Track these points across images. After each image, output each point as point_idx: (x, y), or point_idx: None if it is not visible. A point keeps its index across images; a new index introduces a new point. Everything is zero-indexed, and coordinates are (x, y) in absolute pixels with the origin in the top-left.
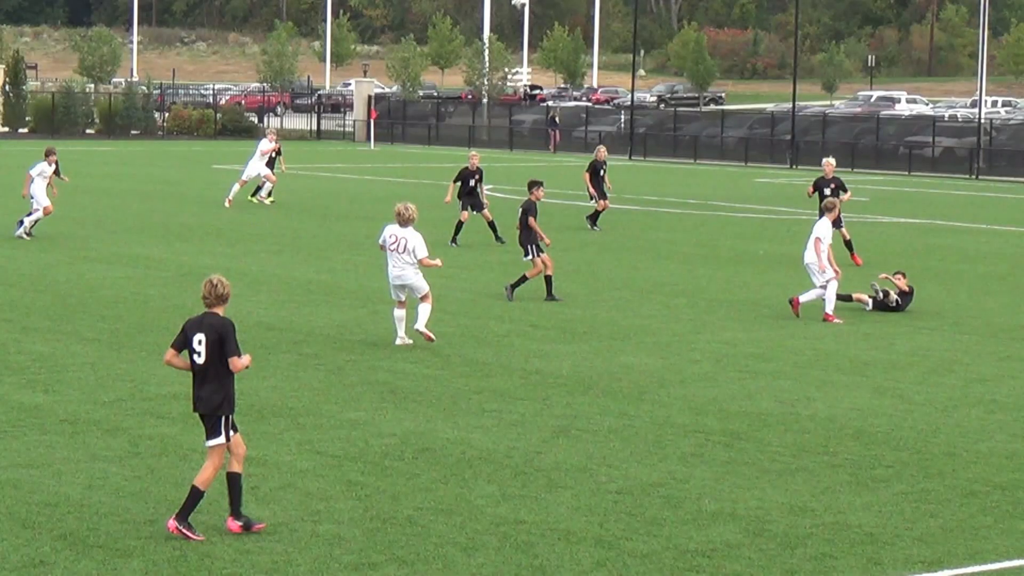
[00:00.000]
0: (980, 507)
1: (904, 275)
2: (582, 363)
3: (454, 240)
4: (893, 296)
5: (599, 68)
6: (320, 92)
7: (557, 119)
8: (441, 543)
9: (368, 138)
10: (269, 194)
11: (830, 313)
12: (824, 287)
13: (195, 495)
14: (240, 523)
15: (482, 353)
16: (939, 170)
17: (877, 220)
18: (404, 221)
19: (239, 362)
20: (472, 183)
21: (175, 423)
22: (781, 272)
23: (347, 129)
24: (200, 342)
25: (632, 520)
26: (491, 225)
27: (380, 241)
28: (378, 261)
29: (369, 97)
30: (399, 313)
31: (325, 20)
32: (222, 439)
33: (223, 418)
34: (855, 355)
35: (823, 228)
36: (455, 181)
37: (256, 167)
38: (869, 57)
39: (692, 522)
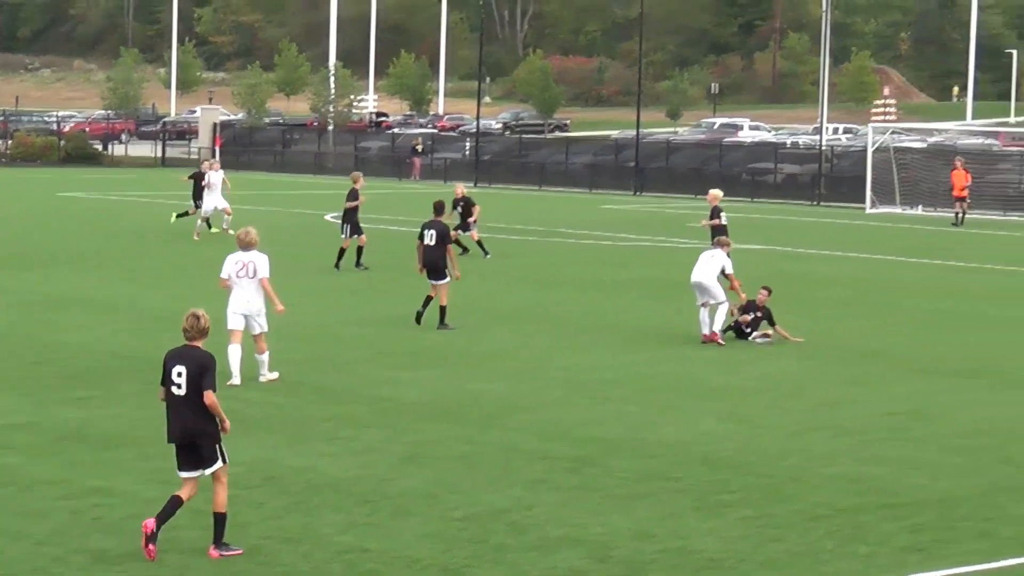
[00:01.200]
0: (824, 531)
1: (769, 290)
2: (432, 389)
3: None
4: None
5: (446, 95)
6: (165, 119)
7: (419, 147)
8: (287, 572)
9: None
10: (206, 225)
11: (717, 332)
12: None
13: (220, 520)
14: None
15: (331, 380)
16: (782, 196)
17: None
18: (247, 245)
19: (213, 397)
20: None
21: (20, 453)
22: (630, 297)
23: (192, 156)
24: (180, 374)
25: (478, 547)
26: (479, 244)
27: (225, 274)
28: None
29: (215, 124)
30: (234, 349)
31: (171, 47)
32: (220, 463)
33: (218, 444)
34: (704, 380)
35: (728, 261)
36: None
37: (213, 200)
38: (713, 84)
39: (537, 548)
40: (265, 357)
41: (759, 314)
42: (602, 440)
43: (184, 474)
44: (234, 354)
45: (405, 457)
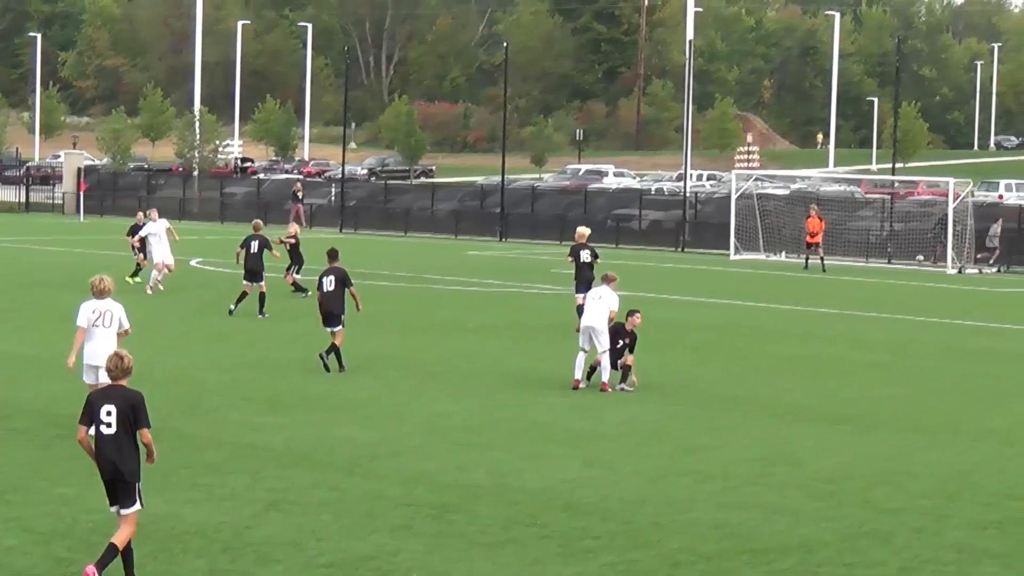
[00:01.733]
0: None
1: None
2: (295, 436)
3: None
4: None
5: (311, 141)
6: (29, 164)
7: (300, 194)
8: None
9: (78, 210)
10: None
11: (607, 382)
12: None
13: (112, 551)
14: None
15: (194, 426)
16: (647, 242)
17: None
18: (102, 292)
19: (149, 435)
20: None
21: None
22: (493, 343)
23: (57, 201)
24: (109, 413)
25: None
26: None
27: (81, 322)
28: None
29: (79, 169)
30: None
31: (34, 91)
32: (139, 505)
33: (137, 485)
34: (566, 426)
35: (615, 298)
36: None
37: (161, 252)
38: (578, 131)
39: None
40: None
41: (627, 340)
42: (465, 486)
43: (122, 510)
44: None
45: (268, 503)
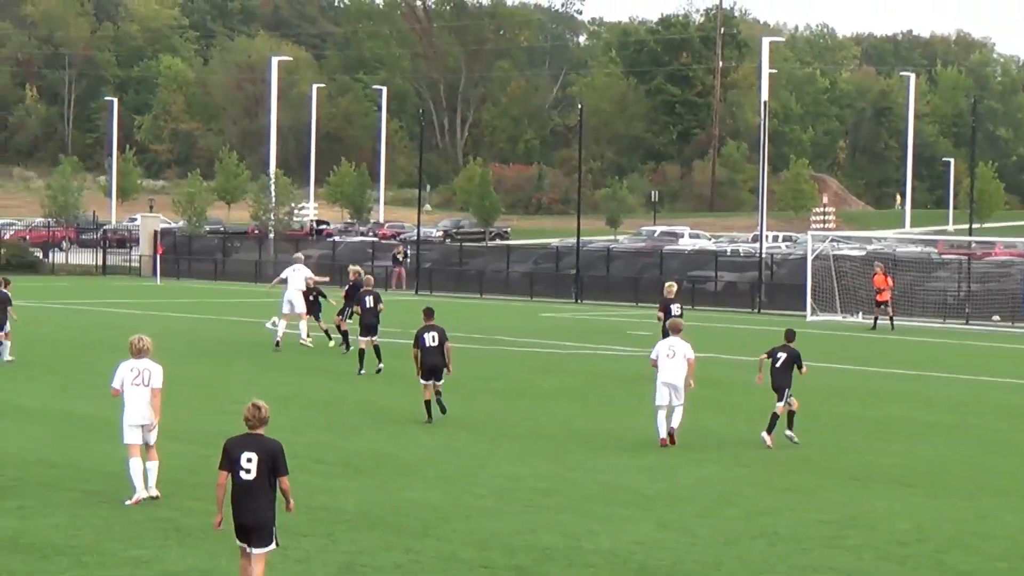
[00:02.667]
0: None
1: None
2: (367, 498)
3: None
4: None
5: (385, 203)
6: (106, 227)
7: (399, 256)
8: None
9: (154, 273)
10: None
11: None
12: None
13: None
14: None
15: None
16: (722, 304)
17: None
18: (140, 352)
19: (288, 482)
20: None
21: None
22: (564, 405)
23: (133, 264)
24: (250, 460)
25: None
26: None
27: (117, 384)
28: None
29: (155, 232)
30: (136, 464)
31: (110, 155)
32: (273, 546)
33: (273, 528)
34: (638, 488)
35: (688, 347)
36: None
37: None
38: (652, 192)
39: None
40: (153, 467)
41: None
42: (539, 549)
43: (255, 551)
44: (136, 468)
45: (342, 566)
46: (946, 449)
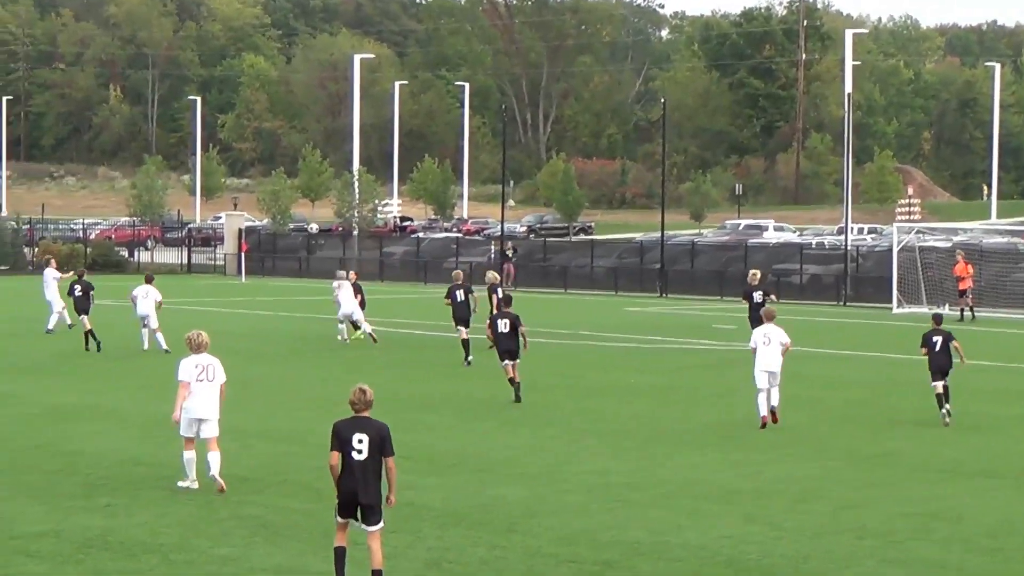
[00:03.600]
0: None
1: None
2: (453, 495)
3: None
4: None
5: (469, 199)
6: (190, 226)
7: (509, 252)
8: None
9: (239, 271)
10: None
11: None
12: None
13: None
14: None
15: None
16: (807, 297)
17: (744, 348)
18: (199, 347)
19: (393, 462)
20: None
21: (44, 561)
22: (650, 401)
23: (218, 263)
24: (361, 441)
25: None
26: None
27: (184, 377)
28: (247, 393)
29: (239, 230)
30: (190, 455)
31: (194, 153)
32: (383, 523)
33: (382, 505)
34: (724, 483)
35: (782, 332)
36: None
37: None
38: (736, 186)
39: None
40: (215, 457)
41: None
42: (626, 543)
43: (370, 528)
44: (191, 461)
45: (428, 563)
46: None
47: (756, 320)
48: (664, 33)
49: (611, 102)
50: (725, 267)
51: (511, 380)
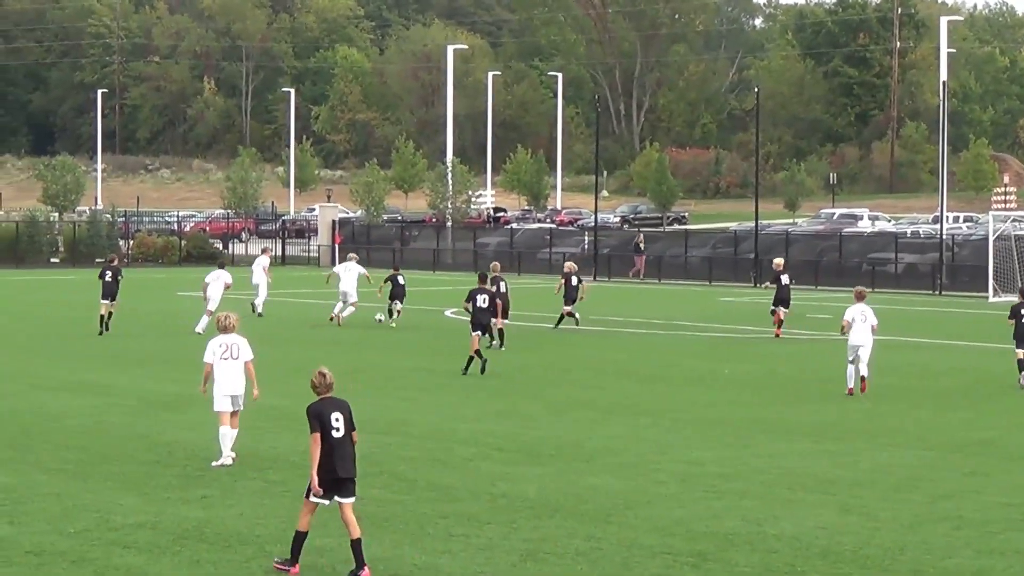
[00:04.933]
0: None
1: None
2: (548, 485)
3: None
4: None
5: (562, 189)
6: (284, 217)
7: (642, 245)
8: None
9: (333, 262)
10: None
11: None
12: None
13: (359, 543)
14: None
15: (448, 477)
16: (902, 286)
17: (839, 338)
18: (226, 328)
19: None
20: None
21: (141, 552)
22: (744, 391)
23: (312, 254)
24: (338, 419)
25: None
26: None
27: (208, 357)
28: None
29: (333, 222)
30: (225, 431)
31: (288, 145)
32: (356, 496)
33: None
34: (819, 473)
35: (872, 312)
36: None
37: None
38: (831, 175)
39: None
40: (235, 433)
41: None
42: (722, 534)
43: (325, 502)
44: (226, 435)
45: (525, 553)
46: None
47: (781, 301)
48: (758, 22)
49: (705, 91)
50: (820, 256)
51: (477, 352)
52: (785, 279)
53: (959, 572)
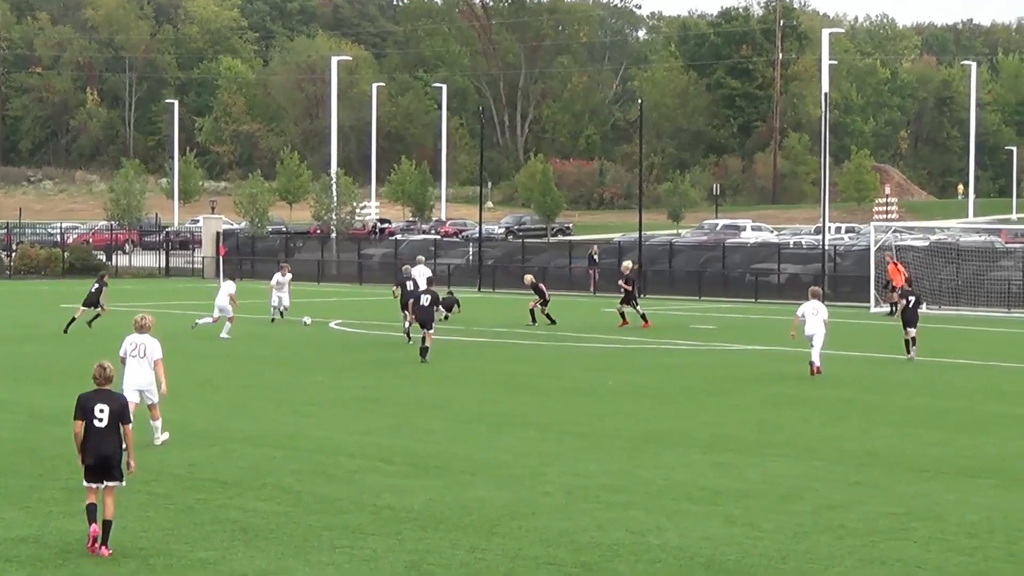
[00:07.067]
0: None
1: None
2: (434, 497)
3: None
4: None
5: (447, 201)
6: (168, 229)
7: (596, 257)
8: None
9: (217, 274)
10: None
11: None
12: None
13: (110, 525)
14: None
15: (333, 489)
16: (785, 296)
17: (725, 348)
18: (142, 328)
19: (131, 430)
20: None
21: (24, 566)
22: (632, 402)
23: (196, 266)
24: (102, 411)
25: None
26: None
27: (121, 352)
28: (232, 399)
29: (217, 233)
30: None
31: (172, 157)
32: (123, 483)
33: (121, 466)
34: (707, 484)
35: (825, 309)
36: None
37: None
38: (714, 186)
39: None
40: (159, 423)
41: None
42: (606, 545)
43: (94, 485)
44: None
45: (408, 565)
46: (1014, 440)
47: (632, 298)
48: (642, 34)
49: (589, 103)
50: (703, 267)
51: (423, 347)
52: (623, 283)
53: None
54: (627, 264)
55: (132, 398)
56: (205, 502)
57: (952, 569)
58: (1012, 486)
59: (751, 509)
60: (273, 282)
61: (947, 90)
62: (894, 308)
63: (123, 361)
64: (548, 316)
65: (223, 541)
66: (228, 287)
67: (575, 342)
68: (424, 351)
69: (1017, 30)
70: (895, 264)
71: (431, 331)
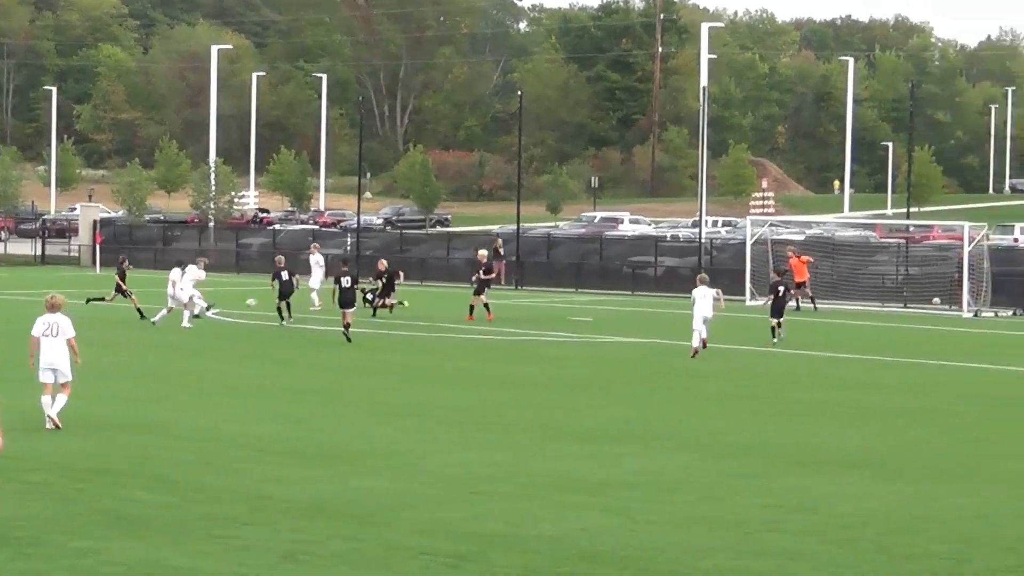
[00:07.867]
0: None
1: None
2: (312, 487)
3: None
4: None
5: (327, 191)
6: (45, 217)
7: (501, 250)
8: None
9: (94, 262)
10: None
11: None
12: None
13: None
14: None
15: (212, 479)
16: (662, 289)
17: (603, 340)
18: (54, 307)
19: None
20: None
21: None
22: (508, 391)
23: (73, 254)
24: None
25: None
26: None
27: (35, 332)
28: (112, 388)
29: (95, 221)
30: (47, 399)
31: (50, 144)
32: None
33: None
34: (585, 476)
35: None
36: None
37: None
38: (593, 178)
39: None
40: (61, 398)
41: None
42: (482, 535)
43: (49, 381)
44: (47, 403)
45: (283, 555)
46: (892, 433)
47: (483, 285)
48: (523, 26)
49: (470, 94)
50: (582, 259)
51: (346, 325)
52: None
53: (717, 572)
54: (483, 253)
55: (47, 379)
56: (83, 491)
57: (825, 560)
58: (887, 478)
59: (628, 500)
60: (191, 276)
61: (825, 85)
62: (798, 302)
63: (36, 342)
64: (388, 306)
65: (100, 530)
66: (192, 273)
67: (452, 332)
68: (347, 327)
69: (895, 26)
70: (798, 257)
71: (352, 310)
